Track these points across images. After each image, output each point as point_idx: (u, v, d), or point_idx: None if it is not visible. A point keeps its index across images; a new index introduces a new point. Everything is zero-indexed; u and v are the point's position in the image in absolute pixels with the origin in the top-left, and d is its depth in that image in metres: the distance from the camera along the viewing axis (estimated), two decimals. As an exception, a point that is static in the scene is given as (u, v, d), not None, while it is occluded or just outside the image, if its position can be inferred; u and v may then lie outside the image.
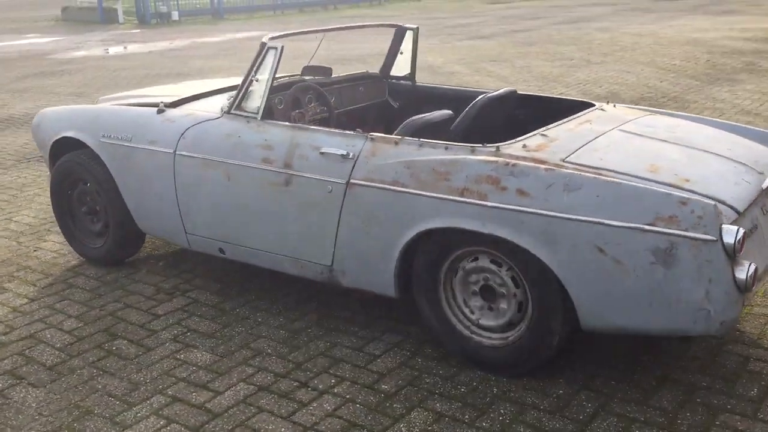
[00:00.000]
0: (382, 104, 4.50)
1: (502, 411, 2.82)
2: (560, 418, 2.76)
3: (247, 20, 24.89)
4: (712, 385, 2.93)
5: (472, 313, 3.09)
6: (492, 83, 10.12)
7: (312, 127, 3.44)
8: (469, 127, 3.44)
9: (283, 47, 3.48)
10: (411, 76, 4.50)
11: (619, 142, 3.10)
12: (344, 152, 3.18)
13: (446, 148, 3.01)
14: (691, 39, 14.17)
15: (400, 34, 4.41)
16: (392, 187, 3.04)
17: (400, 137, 3.14)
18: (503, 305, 3.00)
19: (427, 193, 2.95)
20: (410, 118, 3.32)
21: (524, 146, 2.96)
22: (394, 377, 3.08)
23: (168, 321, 3.65)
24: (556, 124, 3.27)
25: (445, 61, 12.65)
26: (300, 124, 3.50)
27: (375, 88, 4.48)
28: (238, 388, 3.05)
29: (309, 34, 3.99)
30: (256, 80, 3.54)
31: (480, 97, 3.62)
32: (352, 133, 3.29)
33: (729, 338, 3.22)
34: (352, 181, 3.14)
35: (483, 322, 3.07)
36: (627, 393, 2.90)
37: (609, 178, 2.68)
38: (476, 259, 3.01)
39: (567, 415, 2.78)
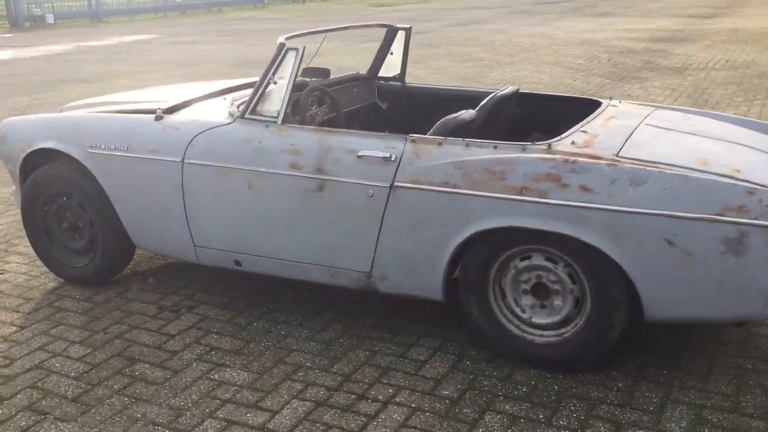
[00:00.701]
0: (371, 106, 4.43)
1: (572, 407, 2.83)
2: (632, 410, 2.80)
3: (128, 23, 23.97)
4: (757, 367, 3.06)
5: (524, 312, 3.09)
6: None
7: (342, 129, 3.32)
8: (482, 127, 3.44)
9: (304, 48, 3.35)
10: (401, 76, 4.45)
11: (655, 136, 3.18)
12: (386, 155, 3.09)
13: (495, 147, 2.99)
14: (584, 39, 14.83)
15: (391, 34, 4.35)
16: (443, 189, 2.99)
17: (443, 138, 3.10)
18: (558, 302, 3.01)
19: (483, 193, 2.92)
20: (443, 119, 3.27)
21: (573, 143, 2.98)
22: (451, 382, 3.03)
23: (185, 340, 3.43)
24: (586, 120, 3.31)
25: (358, 62, 12.61)
26: (328, 128, 3.37)
27: (366, 90, 4.41)
28: (294, 405, 2.91)
29: (319, 33, 3.85)
30: (274, 83, 3.39)
31: (490, 96, 3.62)
32: (389, 134, 3.21)
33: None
34: (396, 184, 3.07)
35: (536, 320, 3.07)
36: (683, 381, 2.97)
37: (674, 171, 2.74)
38: (529, 257, 3.01)
39: (636, 406, 2.83)
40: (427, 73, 11.21)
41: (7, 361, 3.30)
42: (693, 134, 3.30)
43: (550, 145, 2.95)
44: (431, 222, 3.04)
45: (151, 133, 3.60)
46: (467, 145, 3.03)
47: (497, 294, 3.11)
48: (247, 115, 3.44)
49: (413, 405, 2.89)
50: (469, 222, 2.97)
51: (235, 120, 3.47)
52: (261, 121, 3.41)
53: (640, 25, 17.13)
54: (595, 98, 3.88)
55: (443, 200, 2.99)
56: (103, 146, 3.69)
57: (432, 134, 3.19)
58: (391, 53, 4.40)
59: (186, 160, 3.48)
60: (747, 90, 9.01)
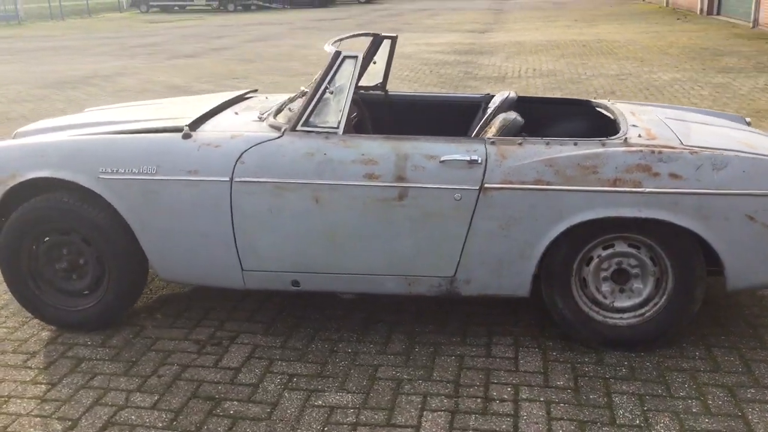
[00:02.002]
0: (357, 114, 4.40)
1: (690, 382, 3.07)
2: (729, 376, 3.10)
3: None
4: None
5: (605, 297, 3.28)
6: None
7: (412, 136, 3.30)
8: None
9: (363, 57, 3.28)
10: (383, 85, 4.46)
11: (688, 127, 3.52)
12: (473, 158, 3.13)
13: (575, 144, 3.15)
14: (397, 53, 15.44)
15: (376, 43, 4.35)
16: (536, 186, 3.09)
17: (521, 138, 3.20)
18: (638, 285, 3.24)
19: (578, 188, 3.07)
20: (502, 122, 3.38)
21: (639, 135, 3.23)
22: (560, 372, 3.14)
23: (254, 372, 3.21)
24: (620, 117, 3.58)
25: (184, 80, 12.15)
26: (396, 135, 3.32)
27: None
28: (431, 417, 2.86)
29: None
30: (330, 92, 3.29)
31: (502, 99, 3.79)
32: (464, 138, 3.25)
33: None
34: (486, 185, 3.12)
35: (617, 304, 3.27)
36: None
37: (750, 155, 3.08)
38: (612, 245, 3.21)
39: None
40: (273, 89, 11.08)
41: (69, 423, 2.87)
42: (707, 124, 3.70)
43: (626, 139, 3.17)
44: (524, 220, 3.13)
45: (185, 152, 3.31)
46: (548, 143, 3.17)
47: (579, 283, 3.26)
48: (300, 127, 3.29)
49: (552, 399, 2.95)
50: (564, 216, 3.10)
51: (284, 133, 3.30)
52: (318, 132, 3.28)
53: (433, 40, 18.17)
54: (580, 98, 4.17)
55: (537, 197, 3.10)
56: (121, 170, 3.32)
57: (497, 135, 3.29)
58: (374, 62, 4.39)
59: (236, 179, 3.25)
60: (570, 94, 9.97)
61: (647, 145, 3.12)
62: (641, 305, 3.26)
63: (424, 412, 2.87)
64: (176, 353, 3.36)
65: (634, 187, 3.04)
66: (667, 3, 28.97)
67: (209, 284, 3.49)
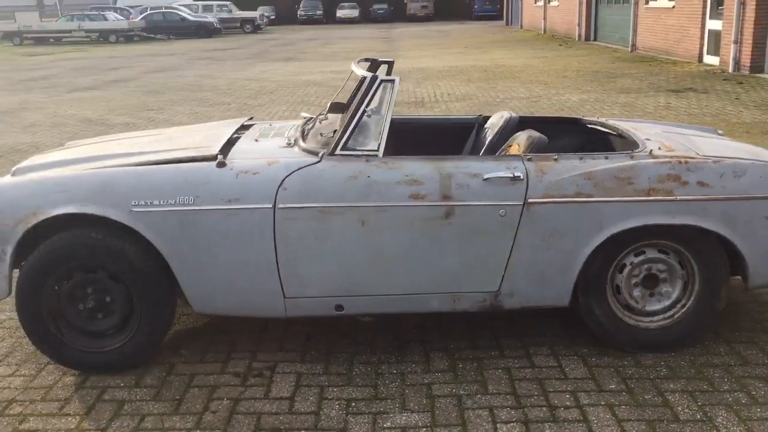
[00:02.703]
0: None
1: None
2: None
3: None
4: None
5: (637, 302, 3.46)
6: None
7: (451, 156, 3.37)
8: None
9: (399, 80, 3.35)
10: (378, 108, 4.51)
11: (689, 139, 3.77)
12: (516, 174, 3.25)
13: (606, 158, 3.33)
14: (308, 81, 15.52)
15: (374, 67, 4.41)
16: (577, 199, 3.24)
17: (556, 154, 3.35)
18: (666, 288, 3.44)
19: (616, 198, 3.24)
20: (529, 140, 3.52)
21: (659, 148, 3.45)
22: (607, 376, 3.27)
23: (310, 399, 3.16)
24: (626, 131, 3.80)
25: (97, 114, 11.73)
26: (435, 156, 3.38)
27: None
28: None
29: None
30: (368, 116, 3.33)
31: (504, 119, 3.96)
32: (502, 156, 3.36)
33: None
34: (529, 200, 3.24)
35: (648, 308, 3.46)
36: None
37: (763, 162, 3.35)
38: (643, 252, 3.40)
39: (756, 360, 3.37)
40: (191, 119, 10.87)
41: (140, 466, 2.74)
42: (700, 136, 3.97)
43: (651, 152, 3.38)
44: (566, 232, 3.26)
45: (223, 181, 3.25)
46: (581, 158, 3.33)
47: (613, 290, 3.43)
48: (339, 152, 3.31)
49: (634, 403, 3.08)
50: (603, 227, 3.26)
51: (323, 157, 3.31)
52: (358, 156, 3.30)
53: (337, 68, 18.35)
54: (573, 117, 4.38)
55: (578, 210, 3.25)
56: (156, 202, 3.22)
57: (526, 152, 3.43)
58: (370, 87, 4.43)
59: (279, 205, 3.22)
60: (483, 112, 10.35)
61: (673, 157, 3.33)
62: (670, 307, 3.45)
63: (498, 425, 2.93)
64: (221, 387, 3.26)
65: (667, 196, 3.24)
66: (545, 30, 30.48)
67: (248, 314, 3.41)
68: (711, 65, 15.58)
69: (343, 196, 3.22)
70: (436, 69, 17.24)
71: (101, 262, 3.25)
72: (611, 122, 4.14)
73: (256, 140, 3.70)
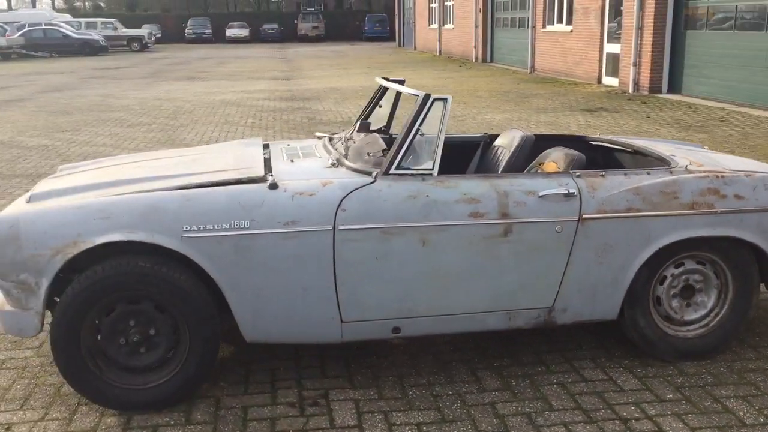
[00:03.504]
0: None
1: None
2: None
3: None
4: None
5: (676, 313, 3.58)
6: (122, 150, 9.46)
7: (502, 174, 3.39)
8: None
9: (450, 99, 3.34)
10: (387, 128, 4.49)
11: (707, 155, 3.96)
12: (570, 191, 3.30)
13: (648, 173, 3.45)
14: (223, 101, 15.20)
15: (383, 88, 4.38)
16: (628, 214, 3.33)
17: (603, 170, 3.43)
18: (702, 298, 3.58)
19: (663, 212, 3.36)
20: (568, 157, 3.60)
21: (690, 164, 3.61)
22: (661, 386, 3.36)
23: (379, 426, 3.07)
24: (640, 148, 3.95)
25: (6, 135, 11.05)
26: (489, 174, 3.38)
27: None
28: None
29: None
30: (421, 135, 3.30)
31: (520, 138, 4.03)
32: (553, 173, 3.41)
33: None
34: (584, 216, 3.30)
35: (686, 317, 3.59)
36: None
37: (784, 175, 3.56)
38: (682, 264, 3.53)
39: None
40: (116, 140, 10.41)
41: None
42: (705, 152, 4.18)
43: (686, 167, 3.52)
44: (617, 246, 3.34)
45: (279, 203, 3.13)
46: (625, 174, 3.43)
47: (654, 302, 3.53)
48: (393, 171, 3.26)
49: (689, 409, 3.16)
50: (651, 240, 3.36)
51: (377, 177, 3.25)
52: (413, 175, 3.27)
53: (247, 87, 18.08)
54: (577, 135, 4.50)
55: (629, 224, 3.33)
56: (210, 227, 3.06)
57: (567, 169, 3.50)
58: (380, 106, 4.41)
59: (339, 227, 3.13)
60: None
61: (710, 171, 3.48)
62: (706, 316, 3.59)
63: None
64: (280, 419, 3.12)
65: (708, 209, 3.38)
66: (440, 52, 31.22)
67: (302, 341, 3.29)
68: (611, 86, 16.42)
69: (404, 216, 3.16)
70: (351, 88, 17.29)
71: (148, 292, 3.05)
72: (621, 140, 4.28)
73: (292, 161, 3.59)
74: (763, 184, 3.47)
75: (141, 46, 39.01)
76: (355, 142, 3.71)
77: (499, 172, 3.99)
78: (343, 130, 4.33)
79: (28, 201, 3.33)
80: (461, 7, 27.56)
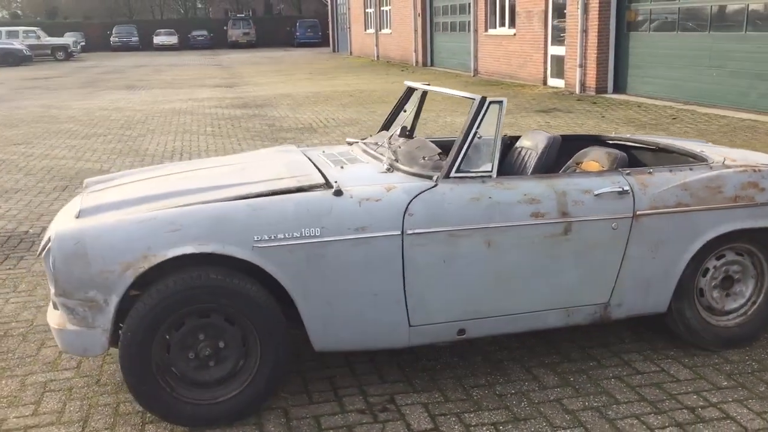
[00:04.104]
0: None
1: None
2: None
3: None
4: None
5: (717, 303, 3.71)
6: (86, 164, 9.19)
7: (556, 174, 3.45)
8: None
9: (506, 101, 3.39)
10: (411, 131, 4.51)
11: (728, 151, 4.12)
12: (624, 188, 3.39)
13: (691, 169, 3.58)
14: (176, 110, 14.92)
15: (409, 92, 4.40)
16: (678, 209, 3.45)
17: (650, 168, 3.54)
18: (740, 288, 3.72)
19: (710, 207, 3.48)
20: (614, 155, 3.69)
21: (725, 159, 3.75)
22: (715, 375, 3.48)
23: (456, 428, 3.09)
24: (666, 146, 4.09)
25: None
26: (546, 174, 3.44)
27: None
28: None
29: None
30: (479, 137, 3.34)
31: (551, 138, 4.12)
32: (603, 172, 3.49)
33: None
34: (638, 212, 3.40)
35: (726, 307, 3.72)
36: None
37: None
38: (723, 256, 3.66)
39: None
40: (74, 152, 10.11)
41: None
42: (718, 147, 4.34)
43: (724, 162, 3.66)
44: (669, 241, 3.45)
45: (348, 209, 3.11)
46: (670, 170, 3.54)
47: (697, 294, 3.66)
48: (453, 174, 3.29)
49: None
50: (699, 234, 3.48)
51: (438, 181, 3.27)
52: (473, 177, 3.30)
53: (193, 95, 17.78)
54: (592, 134, 4.61)
55: (679, 219, 3.44)
56: (281, 236, 3.03)
57: (610, 168, 3.60)
58: (405, 111, 4.43)
59: (407, 231, 3.14)
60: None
61: (746, 166, 3.62)
62: (744, 305, 3.73)
63: (656, 431, 3.02)
64: (357, 426, 3.10)
65: (749, 202, 3.52)
66: (378, 57, 31.37)
67: (370, 348, 3.27)
68: (557, 87, 16.81)
69: (468, 218, 3.19)
70: (301, 95, 17.21)
71: (220, 304, 2.99)
72: (641, 138, 4.41)
73: (342, 167, 3.57)
74: (794, 177, 3.63)
75: (66, 54, 37.87)
76: (400, 147, 3.71)
77: (529, 173, 4.05)
78: (371, 135, 4.32)
79: (78, 216, 3.22)
80: (399, 12, 27.75)
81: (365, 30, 33.52)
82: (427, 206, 3.16)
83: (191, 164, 3.97)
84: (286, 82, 21.33)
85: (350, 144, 4.21)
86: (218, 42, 49.71)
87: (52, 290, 2.99)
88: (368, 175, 3.38)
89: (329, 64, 29.46)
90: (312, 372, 3.56)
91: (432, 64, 25.70)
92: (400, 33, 28.12)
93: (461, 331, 3.30)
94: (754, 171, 3.59)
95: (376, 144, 3.95)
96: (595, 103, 14.02)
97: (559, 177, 3.40)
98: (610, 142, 4.52)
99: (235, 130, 11.83)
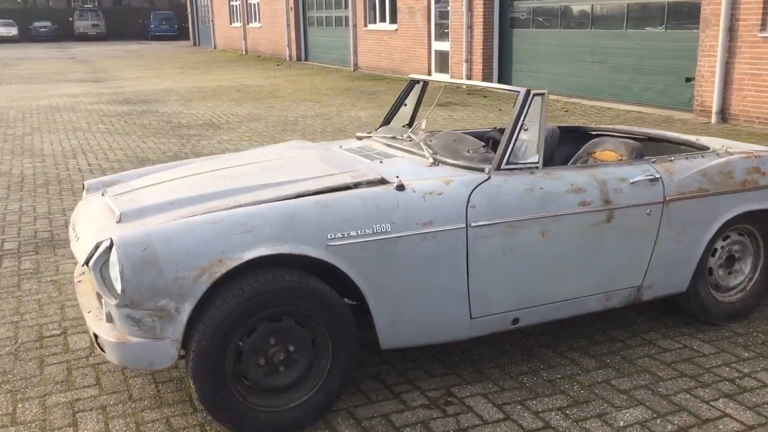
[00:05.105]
0: None
1: None
2: None
3: None
4: None
5: (722, 281, 3.98)
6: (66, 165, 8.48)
7: (595, 163, 3.57)
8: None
9: (547, 92, 3.47)
10: (410, 125, 4.50)
11: (718, 140, 4.42)
12: (655, 176, 3.57)
13: (702, 156, 3.82)
14: (45, 106, 14.00)
15: (409, 87, 4.39)
16: (700, 194, 3.67)
17: (671, 156, 3.74)
18: (740, 266, 4.01)
19: (725, 191, 3.73)
20: (632, 146, 3.87)
21: (723, 146, 4.03)
22: (739, 348, 3.74)
23: (543, 417, 3.17)
24: (655, 135, 4.34)
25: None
26: (586, 164, 3.54)
27: None
28: None
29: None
30: (525, 129, 3.40)
31: (550, 130, 4.29)
32: (630, 161, 3.65)
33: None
34: (667, 198, 3.59)
35: (730, 284, 4.00)
36: None
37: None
38: (728, 236, 3.93)
39: None
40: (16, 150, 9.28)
41: None
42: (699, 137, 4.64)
43: (727, 150, 3.93)
44: (693, 224, 3.66)
45: (413, 204, 3.07)
46: (686, 158, 3.76)
47: (707, 273, 3.91)
48: (504, 166, 3.33)
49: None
50: (717, 217, 3.72)
51: (490, 173, 3.31)
52: (522, 168, 3.36)
53: (61, 91, 16.73)
54: (574, 125, 4.80)
55: (701, 203, 3.66)
56: (353, 233, 2.95)
57: (629, 158, 3.78)
58: (405, 104, 4.42)
59: (471, 224, 3.15)
60: (295, 135, 10.48)
61: (748, 152, 3.90)
62: (744, 281, 4.02)
63: (730, 404, 3.18)
64: (431, 422, 3.07)
65: (754, 186, 3.80)
66: (246, 51, 30.80)
67: (433, 342, 3.24)
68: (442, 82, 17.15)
69: (525, 209, 3.24)
70: (184, 90, 16.62)
71: (294, 307, 2.87)
72: (626, 128, 4.63)
73: (381, 162, 3.52)
74: (787, 161, 3.96)
75: None
76: (432, 141, 3.70)
77: None
78: (375, 130, 4.28)
79: (119, 221, 2.99)
80: (269, 5, 27.35)
81: (231, 23, 32.79)
82: (487, 198, 3.17)
83: (207, 164, 3.76)
84: (160, 76, 20.51)
85: (360, 138, 4.14)
86: (64, 34, 46.91)
87: (111, 301, 2.75)
88: (415, 170, 3.35)
89: (196, 59, 28.60)
90: (356, 371, 3.48)
91: (307, 59, 25.55)
92: (270, 27, 27.73)
93: (515, 321, 3.34)
94: (756, 157, 3.87)
95: (395, 138, 3.92)
96: (485, 96, 14.48)
97: (597, 167, 3.51)
98: (594, 132, 4.70)
99: (131, 127, 11.27)
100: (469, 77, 16.07)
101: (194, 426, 3.03)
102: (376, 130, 4.28)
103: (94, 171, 8.18)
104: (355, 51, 21.27)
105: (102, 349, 2.86)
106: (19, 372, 3.54)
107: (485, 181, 3.22)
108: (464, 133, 4.23)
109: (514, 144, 3.32)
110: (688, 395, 3.26)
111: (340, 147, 3.92)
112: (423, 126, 4.02)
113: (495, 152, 3.38)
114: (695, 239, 3.66)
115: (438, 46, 17.48)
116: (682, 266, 3.68)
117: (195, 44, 39.24)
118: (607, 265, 3.47)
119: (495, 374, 3.47)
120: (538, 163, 3.36)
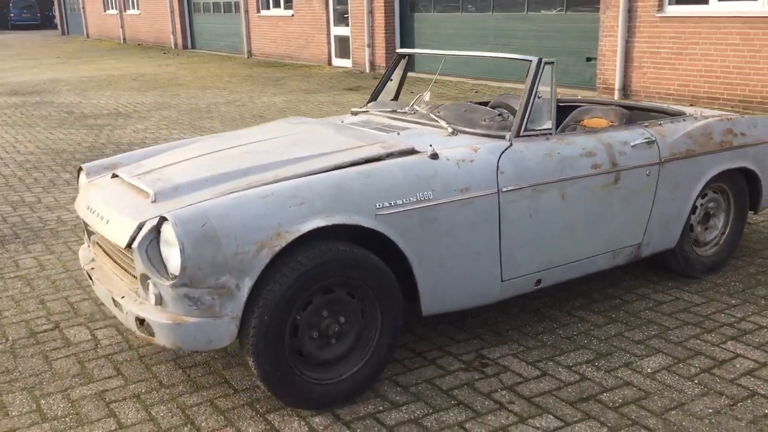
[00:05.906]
0: None
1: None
2: None
3: None
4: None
5: (701, 236, 4.26)
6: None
7: (599, 128, 3.74)
8: None
9: (556, 61, 3.60)
10: (395, 99, 4.53)
11: (682, 106, 4.71)
12: (653, 139, 3.78)
13: (684, 120, 4.07)
14: None
15: (395, 62, 4.43)
16: (688, 155, 3.92)
17: (660, 120, 3.97)
18: (715, 221, 4.31)
19: (707, 151, 4.00)
20: (621, 112, 4.08)
21: (699, 111, 4.31)
22: (727, 293, 4.03)
23: (594, 370, 3.31)
24: (647, 105, 4.59)
25: None
26: (592, 129, 3.69)
27: None
28: (730, 346, 3.49)
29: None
30: (539, 97, 3.52)
31: None
32: (628, 125, 3.85)
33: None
34: (663, 160, 3.82)
35: (707, 239, 4.30)
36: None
37: (764, 116, 4.42)
38: (706, 195, 4.23)
39: None
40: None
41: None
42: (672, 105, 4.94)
43: (702, 113, 4.21)
44: (683, 183, 3.90)
45: (450, 171, 3.13)
46: (672, 122, 4.01)
47: (689, 229, 4.19)
48: (522, 133, 3.45)
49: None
50: (702, 176, 3.98)
51: (511, 140, 3.41)
52: (539, 135, 3.48)
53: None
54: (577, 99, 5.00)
55: (689, 163, 3.90)
56: (399, 202, 2.98)
57: (620, 123, 4.00)
58: (391, 80, 4.45)
59: (502, 189, 3.25)
60: (214, 121, 10.28)
61: (721, 116, 4.19)
62: (717, 236, 4.32)
63: (738, 346, 3.42)
64: (476, 382, 3.15)
65: (729, 146, 4.09)
66: (125, 39, 29.62)
67: (469, 306, 3.30)
68: (345, 67, 17.21)
69: (546, 173, 3.36)
70: (73, 80, 15.82)
71: (348, 278, 2.87)
72: (591, 99, 4.86)
73: (398, 134, 3.55)
74: (753, 123, 4.27)
75: None
76: (439, 112, 3.76)
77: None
78: (367, 105, 4.29)
79: (155, 201, 2.89)
80: (150, -8, 26.39)
81: (105, 11, 31.36)
82: (512, 164, 3.27)
83: (215, 142, 3.64)
84: (38, 67, 19.42)
85: (355, 114, 4.15)
86: None
87: (164, 282, 2.65)
88: (437, 140, 3.40)
89: (72, 48, 27.21)
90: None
91: (194, 47, 24.86)
92: (151, 14, 26.76)
93: (538, 282, 3.46)
94: (728, 120, 4.16)
95: (395, 111, 3.95)
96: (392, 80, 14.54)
97: (602, 131, 3.68)
98: (573, 104, 4.88)
99: (31, 119, 10.66)
100: (372, 62, 16.16)
101: (242, 406, 2.97)
102: (365, 105, 4.29)
103: (8, 164, 7.71)
104: (249, 38, 20.89)
105: (149, 333, 2.75)
106: (26, 369, 3.34)
107: (509, 147, 3.31)
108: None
109: (530, 112, 3.42)
110: (698, 340, 3.48)
111: (342, 122, 3.90)
112: (426, 98, 4.05)
113: (507, 120, 3.48)
114: (685, 197, 3.91)
115: (337, 31, 17.44)
116: (673, 224, 3.91)
117: (64, 33, 37.30)
118: (615, 224, 3.65)
119: (515, 336, 3.58)
120: (551, 129, 3.48)
